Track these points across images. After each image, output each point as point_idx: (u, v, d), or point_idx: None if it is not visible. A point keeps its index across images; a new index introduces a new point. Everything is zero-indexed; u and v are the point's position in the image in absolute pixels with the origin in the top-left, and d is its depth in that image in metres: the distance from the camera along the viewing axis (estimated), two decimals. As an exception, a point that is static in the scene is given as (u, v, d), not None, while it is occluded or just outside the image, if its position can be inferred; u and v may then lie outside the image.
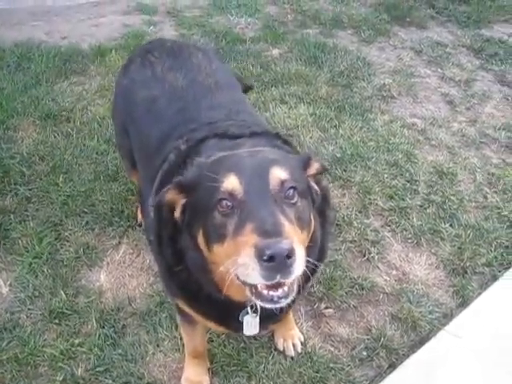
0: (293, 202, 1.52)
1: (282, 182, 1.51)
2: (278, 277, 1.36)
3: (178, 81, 2.33)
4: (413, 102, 4.23)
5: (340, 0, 5.60)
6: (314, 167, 1.72)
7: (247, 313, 1.79)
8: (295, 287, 1.49)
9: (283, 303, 1.47)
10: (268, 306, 1.48)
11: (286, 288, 1.45)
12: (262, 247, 1.32)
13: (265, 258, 1.32)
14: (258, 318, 1.80)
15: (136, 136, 2.41)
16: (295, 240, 1.39)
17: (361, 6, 5.53)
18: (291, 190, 1.52)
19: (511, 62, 4.74)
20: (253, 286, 1.46)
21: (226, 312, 1.81)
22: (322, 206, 1.79)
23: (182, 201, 1.65)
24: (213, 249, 1.52)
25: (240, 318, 1.81)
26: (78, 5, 5.05)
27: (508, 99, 4.33)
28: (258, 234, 1.36)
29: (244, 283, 1.46)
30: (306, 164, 1.70)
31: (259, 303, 1.51)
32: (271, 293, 1.45)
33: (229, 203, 1.48)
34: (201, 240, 1.58)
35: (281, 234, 1.35)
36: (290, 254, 1.33)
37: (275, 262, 1.32)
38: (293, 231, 1.43)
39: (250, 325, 1.83)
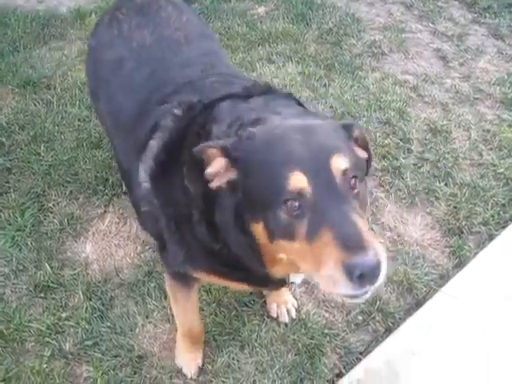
0: (356, 191, 1.42)
1: (345, 172, 1.39)
2: (367, 287, 1.32)
3: (145, 39, 2.21)
4: (404, 59, 4.09)
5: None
6: (356, 134, 1.57)
7: None
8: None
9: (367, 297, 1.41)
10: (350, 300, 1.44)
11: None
12: (352, 265, 1.26)
13: (356, 276, 1.26)
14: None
15: (106, 102, 2.27)
16: (377, 244, 1.33)
17: (349, -40, 5.33)
18: (353, 180, 1.41)
19: (505, 15, 4.58)
20: None
21: (264, 279, 1.75)
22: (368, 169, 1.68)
23: (231, 174, 1.50)
24: (277, 243, 1.43)
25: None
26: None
27: (502, 53, 4.19)
28: (342, 246, 1.28)
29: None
30: (350, 133, 1.56)
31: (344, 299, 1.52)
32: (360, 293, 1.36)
33: (297, 204, 1.37)
34: (259, 230, 1.46)
35: (366, 247, 1.28)
36: (378, 267, 1.29)
37: (365, 278, 1.28)
38: (369, 231, 1.36)
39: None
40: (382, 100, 3.63)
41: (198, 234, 1.71)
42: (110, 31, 2.34)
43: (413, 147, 3.35)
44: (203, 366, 2.36)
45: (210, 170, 1.50)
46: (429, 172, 3.21)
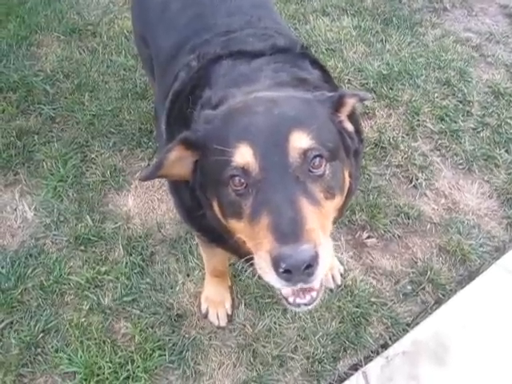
0: (319, 173, 1.29)
1: (305, 152, 1.26)
2: (299, 285, 1.23)
3: None
4: (467, 15, 3.84)
5: None
6: (350, 104, 1.44)
7: None
8: (323, 289, 1.36)
9: (311, 307, 1.35)
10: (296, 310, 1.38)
11: (313, 293, 1.32)
12: (278, 258, 1.15)
13: (280, 270, 1.16)
14: None
15: (152, 45, 2.17)
16: (318, 237, 1.19)
17: None
18: (317, 159, 1.28)
19: None
20: None
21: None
22: (357, 144, 1.53)
23: (192, 159, 1.43)
24: (229, 221, 1.36)
25: None
26: None
27: None
28: (274, 235, 1.17)
29: None
30: (337, 105, 1.42)
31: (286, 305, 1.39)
32: (297, 300, 1.34)
33: (242, 181, 1.27)
34: (215, 208, 1.40)
35: (299, 238, 1.16)
36: (310, 263, 1.15)
37: (292, 274, 1.16)
38: (317, 220, 1.23)
39: None
40: (441, 59, 3.42)
41: (184, 199, 1.66)
42: None
43: (473, 110, 3.15)
44: (232, 315, 2.32)
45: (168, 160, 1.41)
46: (489, 137, 3.02)
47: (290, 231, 1.17)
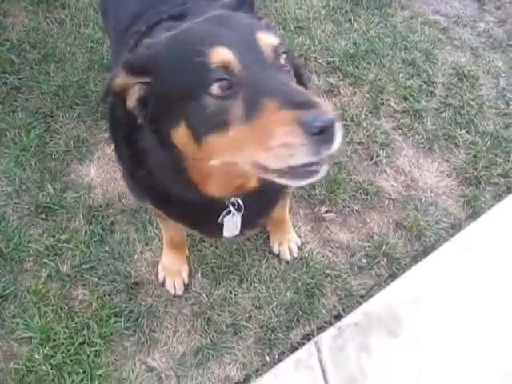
0: (288, 69, 1.28)
1: (275, 48, 1.24)
2: (324, 149, 1.10)
3: None
4: (437, -2, 3.88)
5: None
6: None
7: (228, 213, 1.59)
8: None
9: (323, 174, 1.20)
10: (303, 182, 1.21)
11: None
12: (310, 120, 1.07)
13: (315, 130, 1.07)
14: (239, 217, 1.61)
15: (112, 17, 2.14)
16: (330, 107, 1.20)
17: None
18: (284, 55, 1.27)
19: (551, -44, 4.30)
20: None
21: (202, 214, 1.62)
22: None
23: (137, 87, 1.33)
24: (206, 141, 1.24)
25: (220, 220, 1.60)
26: None
27: (543, -2, 3.95)
28: (291, 107, 1.11)
29: (265, 171, 1.20)
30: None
31: (290, 182, 1.24)
32: (315, 167, 1.17)
33: (225, 82, 1.19)
34: (181, 135, 1.29)
35: (318, 104, 1.11)
36: (334, 124, 1.10)
37: (324, 134, 1.08)
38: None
39: (232, 225, 1.64)
40: (408, 40, 3.44)
41: (123, 159, 1.62)
42: None
43: (436, 91, 3.19)
44: (189, 284, 2.36)
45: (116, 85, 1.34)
46: (451, 118, 3.06)
47: (305, 101, 1.12)
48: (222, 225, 1.63)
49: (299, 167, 1.15)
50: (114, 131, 1.64)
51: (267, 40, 1.25)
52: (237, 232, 1.69)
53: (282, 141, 1.11)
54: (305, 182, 1.21)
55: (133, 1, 1.96)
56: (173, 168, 1.43)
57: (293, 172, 1.17)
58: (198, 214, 1.62)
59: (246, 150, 1.19)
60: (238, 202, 1.57)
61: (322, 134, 1.08)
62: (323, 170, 1.18)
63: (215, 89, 1.19)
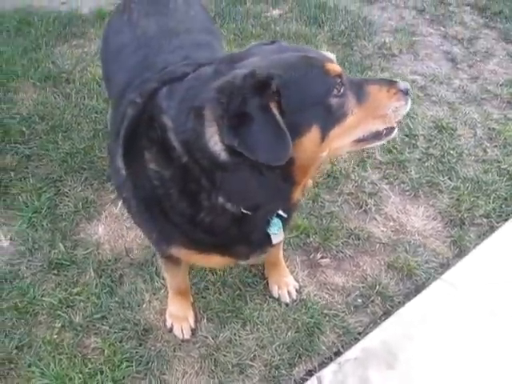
0: None
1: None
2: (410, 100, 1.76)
3: (149, 27, 2.31)
4: (414, 60, 4.18)
5: (342, -39, 5.52)
6: None
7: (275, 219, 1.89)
8: None
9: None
10: (389, 137, 1.79)
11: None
12: (403, 89, 1.71)
13: (408, 93, 1.73)
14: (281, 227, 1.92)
15: (111, 84, 2.40)
16: None
17: (364, -33, 5.45)
18: None
19: (517, 20, 4.67)
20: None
21: (246, 234, 1.85)
22: None
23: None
24: (329, 136, 1.59)
25: (268, 229, 1.88)
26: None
27: (511, 56, 4.27)
28: (388, 88, 1.71)
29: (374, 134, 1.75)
30: None
31: (382, 141, 1.80)
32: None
33: (340, 84, 1.59)
34: (308, 140, 1.56)
35: (399, 81, 1.76)
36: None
37: (409, 92, 1.74)
38: None
39: (279, 231, 1.91)
40: (389, 98, 3.71)
41: (177, 209, 1.76)
42: (121, 19, 2.47)
43: (418, 143, 3.44)
44: (195, 329, 2.49)
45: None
46: (433, 166, 3.29)
47: (390, 81, 1.78)
48: (267, 236, 1.91)
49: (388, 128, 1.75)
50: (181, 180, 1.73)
51: (333, 56, 1.80)
52: (281, 238, 1.99)
53: (394, 106, 1.70)
54: (391, 137, 1.79)
55: (124, 70, 2.21)
56: (276, 179, 1.64)
57: (386, 132, 1.75)
58: (247, 232, 1.84)
59: (363, 126, 1.70)
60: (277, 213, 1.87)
61: (407, 93, 1.72)
62: (396, 130, 1.79)
63: (337, 90, 1.59)
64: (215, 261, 2.02)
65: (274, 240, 1.93)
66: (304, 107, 1.54)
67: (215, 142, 1.54)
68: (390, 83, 1.73)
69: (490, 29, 4.58)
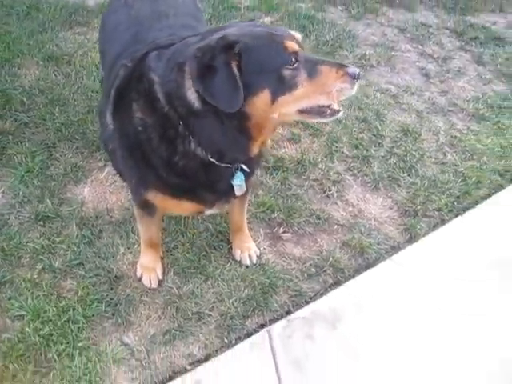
0: None
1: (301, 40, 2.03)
2: (355, 85, 1.94)
3: (142, 9, 2.64)
4: (390, 72, 4.51)
5: (334, -20, 5.90)
6: None
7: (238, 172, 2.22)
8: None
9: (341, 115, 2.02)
10: (355, 85, 1.95)
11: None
12: (352, 72, 1.90)
13: (355, 77, 1.91)
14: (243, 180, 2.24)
15: (104, 55, 2.74)
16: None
17: (354, -13, 5.83)
18: None
19: (490, 45, 5.00)
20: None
21: (212, 182, 2.19)
22: None
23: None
24: (278, 100, 1.87)
25: (232, 181, 2.22)
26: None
27: (482, 77, 4.60)
28: (339, 68, 1.91)
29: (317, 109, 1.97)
30: None
31: (325, 119, 2.05)
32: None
33: (294, 60, 1.85)
34: (262, 99, 1.87)
35: (349, 65, 1.95)
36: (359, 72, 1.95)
37: (358, 76, 1.91)
38: None
39: (241, 184, 2.25)
40: (362, 102, 4.04)
41: (156, 153, 2.10)
42: (118, 1, 2.81)
43: (384, 142, 3.74)
44: (163, 280, 2.77)
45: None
46: (395, 164, 3.59)
47: (342, 65, 1.94)
48: (231, 188, 2.24)
49: (327, 108, 1.97)
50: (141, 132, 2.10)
51: (298, 36, 2.03)
52: (243, 190, 2.30)
53: (338, 86, 1.91)
54: (332, 118, 2.03)
55: (117, 44, 2.55)
56: (236, 130, 1.98)
57: (325, 111, 1.97)
58: (213, 180, 2.18)
59: (310, 98, 1.92)
60: (241, 167, 2.20)
61: (355, 78, 1.90)
62: (341, 113, 2.01)
63: (290, 64, 1.85)
64: (185, 207, 2.32)
65: (237, 192, 2.27)
66: (260, 72, 1.87)
67: (192, 91, 1.92)
68: (341, 66, 1.92)
69: (465, 51, 4.92)
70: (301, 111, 1.96)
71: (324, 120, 2.05)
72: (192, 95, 1.92)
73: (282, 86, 1.87)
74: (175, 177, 2.14)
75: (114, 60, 2.45)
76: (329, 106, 1.96)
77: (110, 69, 2.46)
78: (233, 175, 2.20)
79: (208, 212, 2.45)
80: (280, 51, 1.86)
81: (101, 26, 3.00)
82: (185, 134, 2.02)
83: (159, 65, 2.05)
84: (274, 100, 1.88)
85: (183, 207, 2.34)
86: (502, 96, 4.37)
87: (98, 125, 3.31)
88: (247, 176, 2.26)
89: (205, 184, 2.19)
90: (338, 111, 1.99)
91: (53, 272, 2.74)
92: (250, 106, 1.89)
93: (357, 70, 1.92)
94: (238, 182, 2.22)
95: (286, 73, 1.86)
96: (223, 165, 2.10)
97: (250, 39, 1.89)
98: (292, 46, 1.88)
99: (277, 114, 1.93)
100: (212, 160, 2.06)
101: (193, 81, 1.88)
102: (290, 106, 1.93)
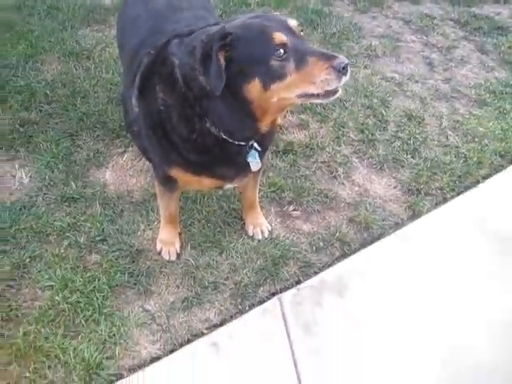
0: (305, 38, 2.20)
1: (298, 27, 2.13)
2: (343, 78, 1.99)
3: (159, 3, 2.85)
4: (395, 62, 4.68)
5: (342, -25, 6.09)
6: None
7: (252, 150, 2.39)
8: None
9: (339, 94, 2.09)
10: (331, 99, 2.10)
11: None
12: (337, 64, 1.95)
13: (342, 70, 1.96)
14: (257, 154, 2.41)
15: (125, 47, 2.93)
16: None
17: (360, -18, 6.01)
18: (301, 30, 2.19)
19: (493, 35, 5.16)
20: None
21: (233, 157, 2.38)
22: None
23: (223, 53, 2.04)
24: (271, 88, 2.03)
25: (247, 158, 2.40)
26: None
27: (484, 65, 4.76)
28: (326, 59, 1.97)
29: (306, 96, 2.07)
30: None
31: (325, 100, 2.12)
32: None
33: (282, 51, 1.98)
34: (254, 86, 2.04)
35: (338, 56, 1.98)
36: (348, 64, 1.98)
37: (345, 69, 1.97)
38: None
39: (256, 160, 2.43)
40: (368, 90, 4.23)
41: (176, 131, 2.31)
42: None
43: (388, 127, 3.93)
44: (181, 254, 2.98)
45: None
46: (399, 147, 3.77)
47: (332, 55, 1.99)
48: (247, 164, 2.42)
49: (327, 92, 2.03)
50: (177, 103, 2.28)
51: (294, 23, 2.10)
52: (259, 166, 2.49)
53: (323, 77, 1.97)
54: (332, 99, 2.10)
55: (136, 35, 2.76)
56: (240, 112, 2.17)
57: (324, 94, 2.04)
58: (230, 157, 2.37)
59: (299, 87, 2.03)
60: (253, 146, 2.38)
61: (343, 70, 1.95)
62: (339, 93, 2.07)
63: (278, 55, 1.98)
64: (205, 182, 2.54)
65: (253, 167, 2.47)
66: (251, 61, 2.04)
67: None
68: (328, 58, 1.98)
69: (468, 41, 5.08)
70: (298, 96, 2.08)
71: (323, 101, 2.15)
72: (202, 77, 2.13)
73: (271, 76, 2.02)
74: (194, 153, 2.36)
75: (136, 50, 2.65)
76: (319, 94, 2.06)
77: (132, 58, 2.66)
78: (247, 152, 2.40)
79: (226, 187, 2.67)
80: (268, 43, 1.99)
81: (118, 20, 3.21)
82: (200, 113, 2.23)
83: (180, 49, 2.29)
84: (265, 88, 2.04)
85: (203, 182, 2.55)
86: (504, 82, 4.52)
87: (120, 112, 3.58)
88: (261, 153, 2.45)
89: (222, 160, 2.40)
90: (335, 92, 2.06)
91: (78, 247, 2.95)
92: (247, 92, 2.09)
93: (343, 62, 1.96)
94: (252, 159, 2.42)
95: (275, 63, 2.00)
96: (236, 143, 2.30)
97: (242, 31, 2.07)
98: (280, 37, 1.99)
99: (274, 98, 2.07)
100: (225, 137, 2.27)
101: (196, 64, 2.11)
102: (284, 92, 2.06)
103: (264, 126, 2.28)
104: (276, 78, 2.02)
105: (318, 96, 2.07)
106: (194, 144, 2.32)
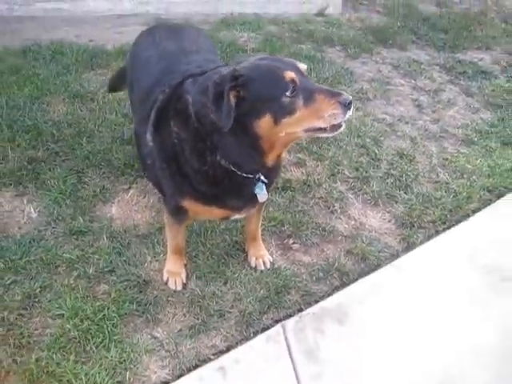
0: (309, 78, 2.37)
1: (305, 70, 2.32)
2: (349, 112, 2.20)
3: (169, 46, 3.06)
4: (386, 104, 4.92)
5: (332, 23, 6.40)
6: None
7: (259, 182, 2.54)
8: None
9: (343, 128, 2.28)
10: (336, 132, 2.28)
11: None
12: (343, 100, 2.15)
13: (347, 105, 2.16)
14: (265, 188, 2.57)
15: (135, 87, 3.11)
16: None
17: (350, 29, 6.31)
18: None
19: (477, 79, 5.46)
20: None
21: (241, 188, 2.54)
22: None
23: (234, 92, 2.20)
24: (281, 122, 2.18)
25: (254, 190, 2.55)
26: (104, 16, 5.91)
27: (470, 107, 5.02)
28: (332, 96, 2.16)
29: (314, 130, 2.26)
30: None
31: (330, 134, 2.30)
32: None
33: (292, 88, 2.14)
34: (265, 122, 2.21)
35: (343, 93, 2.20)
36: (352, 101, 2.19)
37: (349, 105, 2.17)
38: None
39: (263, 192, 2.57)
40: (361, 130, 4.43)
41: (189, 163, 2.48)
42: (146, 39, 3.25)
43: (381, 165, 4.11)
44: (187, 283, 3.08)
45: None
46: (392, 183, 3.95)
47: (336, 92, 2.21)
48: (254, 195, 2.57)
49: (333, 126, 2.21)
50: (187, 140, 2.47)
51: (302, 66, 2.31)
52: (265, 197, 2.63)
53: (330, 112, 2.16)
54: (337, 133, 2.28)
55: (150, 75, 2.94)
56: (249, 147, 2.35)
57: (330, 128, 2.22)
58: (238, 188, 2.54)
59: (307, 121, 2.20)
60: (260, 178, 2.54)
61: (348, 105, 2.16)
62: (343, 127, 2.25)
63: (289, 93, 2.16)
64: (215, 213, 2.70)
65: (260, 198, 2.63)
66: (262, 99, 2.21)
67: None
68: (334, 95, 2.17)
69: (454, 84, 5.36)
70: (305, 130, 2.25)
71: (329, 135, 2.31)
72: (213, 115, 2.30)
73: (281, 111, 2.17)
74: (206, 185, 2.52)
75: (150, 88, 2.83)
76: (325, 128, 2.23)
77: (146, 96, 2.83)
78: (255, 184, 2.56)
79: (234, 217, 2.83)
80: (280, 81, 2.16)
81: (131, 59, 3.36)
82: (211, 147, 2.41)
83: (193, 88, 2.48)
84: (276, 123, 2.20)
85: (213, 212, 2.70)
86: (489, 123, 4.77)
87: (125, 151, 3.76)
88: (267, 185, 2.61)
89: (231, 192, 2.56)
90: (340, 126, 2.24)
91: (87, 278, 3.05)
92: (257, 127, 2.26)
93: (348, 99, 2.16)
94: (259, 191, 2.57)
95: (285, 100, 2.16)
96: (244, 175, 2.47)
97: (254, 72, 2.26)
98: (291, 75, 2.16)
99: (283, 133, 2.24)
100: (234, 170, 2.43)
101: (209, 103, 2.28)
102: (292, 126, 2.22)
103: (270, 160, 2.46)
104: (286, 113, 2.17)
105: (324, 130, 2.24)
106: (206, 176, 2.48)
